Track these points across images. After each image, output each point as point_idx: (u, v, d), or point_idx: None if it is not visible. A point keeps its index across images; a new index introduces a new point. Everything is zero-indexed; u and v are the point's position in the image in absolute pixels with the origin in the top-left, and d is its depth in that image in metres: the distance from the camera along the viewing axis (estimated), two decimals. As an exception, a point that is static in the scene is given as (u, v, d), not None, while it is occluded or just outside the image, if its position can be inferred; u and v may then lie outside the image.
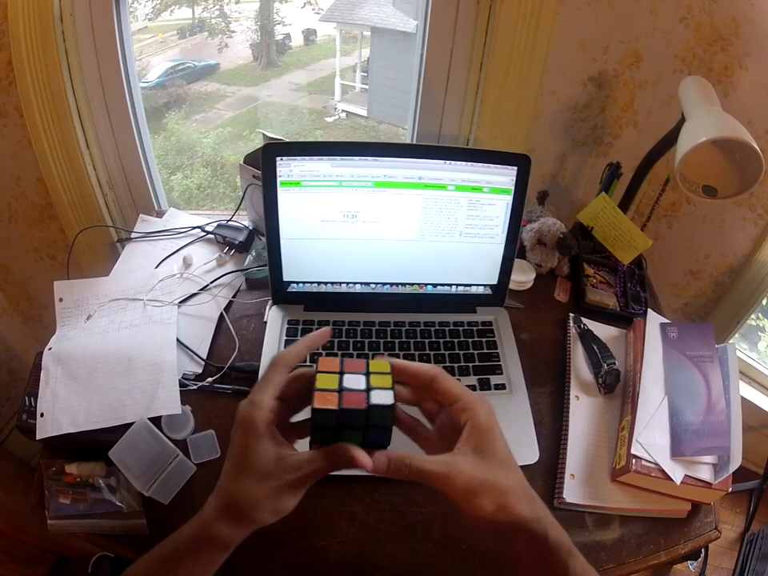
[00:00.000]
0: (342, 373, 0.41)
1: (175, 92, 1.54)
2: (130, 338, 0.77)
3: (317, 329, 0.76)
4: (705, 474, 0.64)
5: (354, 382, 0.40)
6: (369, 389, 0.40)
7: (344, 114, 1.62)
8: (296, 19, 1.52)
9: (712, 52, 0.99)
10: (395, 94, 1.14)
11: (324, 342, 0.47)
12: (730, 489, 0.63)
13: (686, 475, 0.63)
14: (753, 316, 1.35)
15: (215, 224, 0.98)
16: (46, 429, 0.65)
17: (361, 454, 0.39)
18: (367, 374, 0.41)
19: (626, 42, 0.99)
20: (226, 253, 0.93)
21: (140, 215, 1.02)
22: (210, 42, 1.47)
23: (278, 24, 1.51)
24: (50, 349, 0.74)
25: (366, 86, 1.57)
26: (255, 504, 0.39)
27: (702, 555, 1.37)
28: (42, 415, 0.66)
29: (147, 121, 1.09)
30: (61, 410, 0.67)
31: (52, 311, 0.82)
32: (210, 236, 0.97)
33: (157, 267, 0.91)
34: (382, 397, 0.39)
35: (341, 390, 0.40)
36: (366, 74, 1.56)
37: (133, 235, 0.97)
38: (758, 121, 1.02)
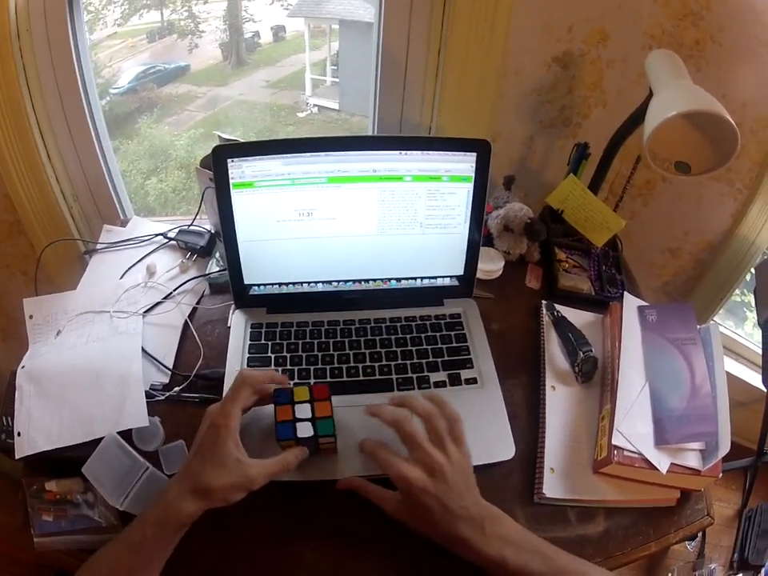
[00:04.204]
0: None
1: (146, 96, 1.51)
2: (97, 352, 0.76)
3: (280, 332, 0.77)
4: (692, 461, 0.62)
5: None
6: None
7: (316, 109, 1.60)
8: (264, 16, 1.49)
9: (682, 27, 0.97)
10: (365, 85, 1.13)
11: (283, 383, 0.62)
12: (720, 474, 0.61)
13: (672, 463, 0.61)
14: (737, 292, 1.34)
15: (177, 230, 0.96)
16: (23, 448, 0.65)
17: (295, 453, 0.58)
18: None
19: (591, 20, 0.97)
20: (188, 258, 0.92)
21: (104, 225, 1.00)
22: (180, 44, 1.44)
23: (247, 21, 1.49)
24: (22, 367, 0.73)
25: (337, 80, 1.55)
26: (218, 488, 0.51)
27: (700, 535, 1.37)
28: (19, 434, 0.66)
29: (119, 127, 1.07)
30: (36, 428, 0.67)
31: (28, 328, 0.81)
32: (172, 242, 0.95)
33: (122, 278, 0.89)
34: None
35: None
36: (336, 68, 1.54)
37: (98, 246, 0.96)
38: (733, 94, 1.00)
